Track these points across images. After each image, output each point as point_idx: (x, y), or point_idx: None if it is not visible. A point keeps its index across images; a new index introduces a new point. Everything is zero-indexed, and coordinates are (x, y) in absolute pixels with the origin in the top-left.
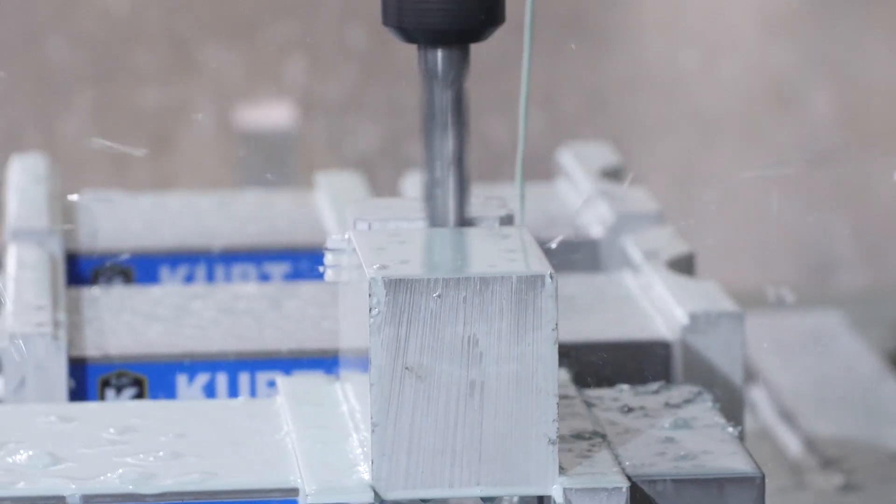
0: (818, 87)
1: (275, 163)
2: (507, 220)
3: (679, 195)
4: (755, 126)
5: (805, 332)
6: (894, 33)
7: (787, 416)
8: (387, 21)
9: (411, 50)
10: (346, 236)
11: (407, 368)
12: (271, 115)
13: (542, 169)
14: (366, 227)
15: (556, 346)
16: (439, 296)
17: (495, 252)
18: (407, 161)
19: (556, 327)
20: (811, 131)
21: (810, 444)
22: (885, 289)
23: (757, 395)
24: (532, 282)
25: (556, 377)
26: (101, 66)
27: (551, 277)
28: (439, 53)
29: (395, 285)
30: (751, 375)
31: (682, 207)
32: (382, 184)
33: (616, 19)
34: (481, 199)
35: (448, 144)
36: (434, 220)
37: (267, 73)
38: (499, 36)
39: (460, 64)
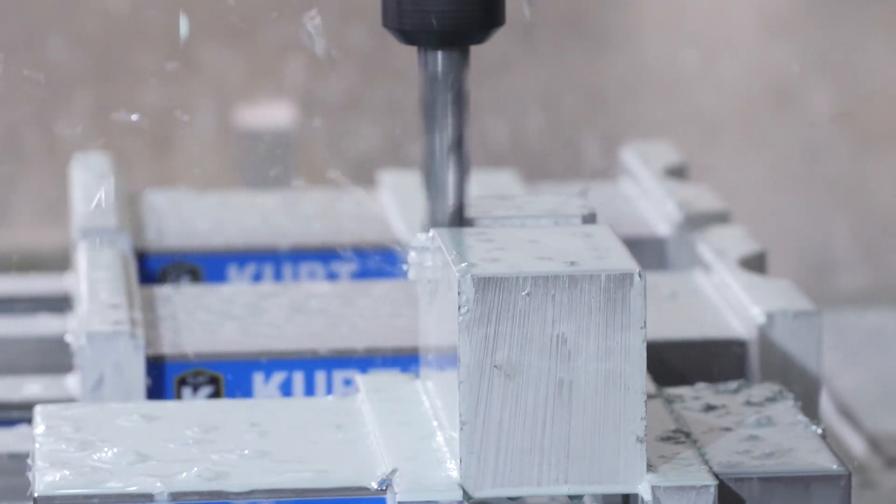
0: (818, 87)
1: (275, 163)
2: (590, 219)
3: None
4: (755, 126)
5: (864, 330)
6: (894, 33)
7: (850, 415)
8: (387, 23)
9: (411, 50)
10: (430, 234)
11: (495, 367)
12: (271, 115)
13: (542, 168)
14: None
15: (645, 344)
16: (528, 294)
17: (582, 250)
18: (407, 161)
19: (645, 325)
20: (811, 131)
21: (874, 443)
22: (884, 289)
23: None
24: (621, 280)
25: (644, 375)
26: (101, 66)
27: (640, 275)
28: (439, 55)
29: (485, 283)
30: None
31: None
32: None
33: (616, 19)
34: (562, 198)
35: (448, 145)
36: (434, 220)
37: (267, 73)
38: (498, 36)
39: (460, 65)
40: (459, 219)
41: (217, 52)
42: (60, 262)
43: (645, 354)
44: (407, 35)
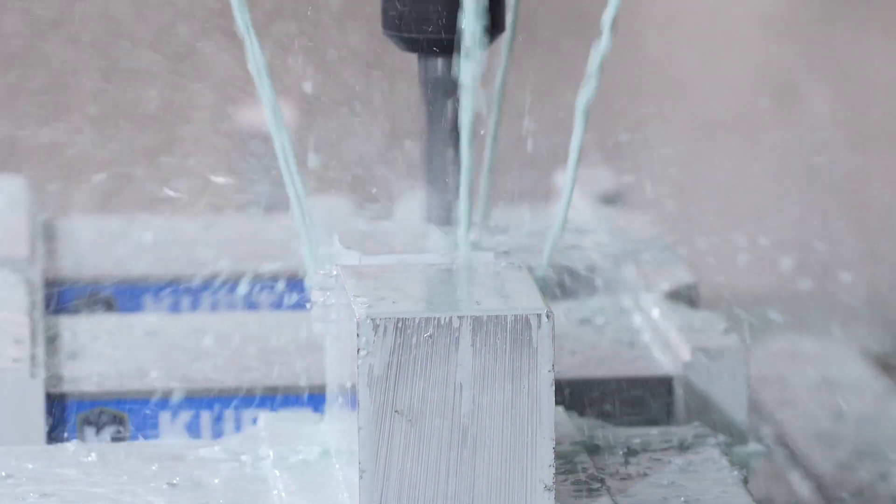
0: (818, 87)
1: (275, 163)
2: (503, 255)
3: (680, 195)
4: (755, 126)
5: (816, 360)
6: (894, 32)
7: (794, 453)
8: (387, 30)
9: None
10: (334, 271)
11: (396, 412)
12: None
13: (542, 168)
14: (354, 261)
15: (553, 388)
16: (431, 336)
17: (490, 289)
18: (407, 162)
19: (553, 368)
20: (811, 131)
21: (819, 481)
22: (884, 289)
23: (766, 432)
24: (528, 321)
25: (552, 420)
26: (101, 66)
27: (548, 316)
28: (439, 62)
29: (385, 325)
30: (758, 410)
31: (683, 207)
32: (382, 184)
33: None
34: (478, 232)
35: (448, 151)
36: (434, 224)
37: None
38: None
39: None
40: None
41: (217, 52)
42: None
43: (553, 399)
44: (407, 42)
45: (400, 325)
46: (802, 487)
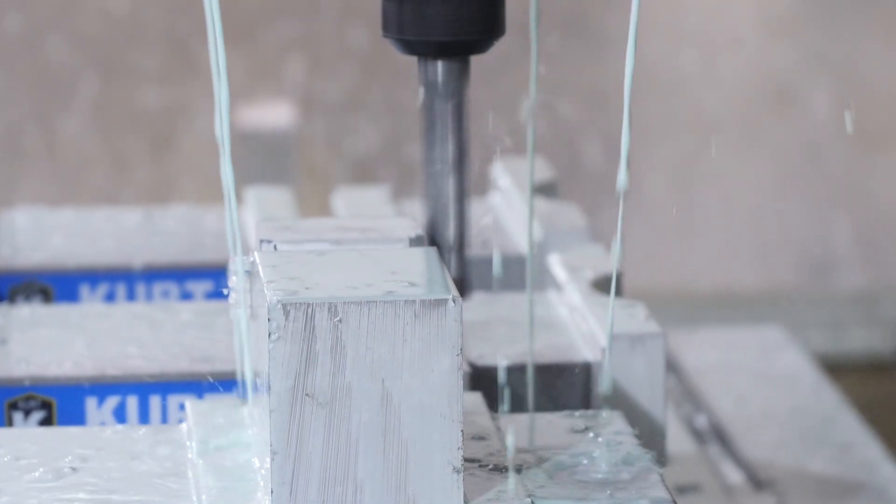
0: (818, 87)
1: (275, 163)
2: (418, 242)
3: (679, 195)
4: (755, 126)
5: (748, 347)
6: (894, 33)
7: (725, 438)
8: (387, 32)
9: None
10: (251, 258)
11: (307, 395)
12: (271, 115)
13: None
14: (271, 249)
15: (461, 371)
16: (340, 320)
17: (401, 274)
18: (407, 161)
19: (461, 353)
20: (811, 131)
21: (747, 467)
22: (884, 289)
23: (700, 420)
24: (435, 306)
25: (460, 403)
26: (101, 66)
27: (454, 301)
28: (440, 65)
29: (295, 309)
30: (693, 396)
31: (682, 207)
32: (382, 184)
33: (616, 19)
34: (395, 219)
35: (448, 155)
36: (434, 228)
37: (267, 73)
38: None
39: (461, 76)
40: (461, 227)
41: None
42: None
43: (461, 382)
44: (407, 45)
45: (310, 310)
46: (733, 475)
